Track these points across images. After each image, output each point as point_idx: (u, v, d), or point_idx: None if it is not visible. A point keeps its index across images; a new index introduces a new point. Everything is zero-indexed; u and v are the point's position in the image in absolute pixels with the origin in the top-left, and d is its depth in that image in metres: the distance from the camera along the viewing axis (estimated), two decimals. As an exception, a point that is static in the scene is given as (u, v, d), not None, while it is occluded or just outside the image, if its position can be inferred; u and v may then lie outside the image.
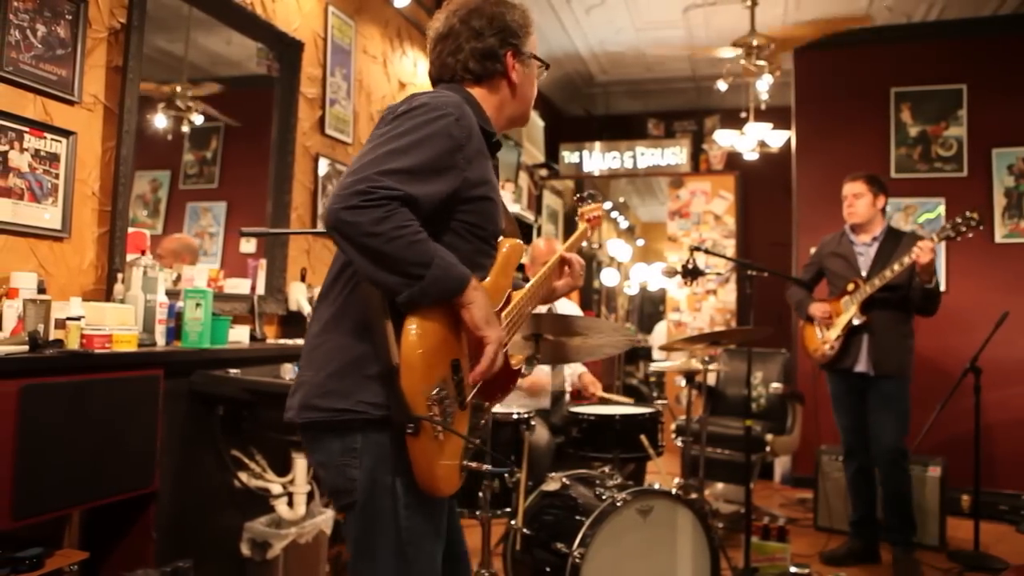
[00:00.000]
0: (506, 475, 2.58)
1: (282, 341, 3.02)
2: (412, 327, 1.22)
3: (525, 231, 5.60)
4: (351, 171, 1.20)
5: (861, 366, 3.41)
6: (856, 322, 3.37)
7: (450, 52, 1.48)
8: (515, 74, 1.49)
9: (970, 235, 3.15)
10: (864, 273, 3.44)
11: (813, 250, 3.82)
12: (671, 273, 3.07)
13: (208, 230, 3.24)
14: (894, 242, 3.42)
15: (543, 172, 6.64)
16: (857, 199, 3.49)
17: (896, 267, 3.22)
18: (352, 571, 1.36)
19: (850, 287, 3.44)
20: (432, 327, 1.24)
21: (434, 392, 1.23)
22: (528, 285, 1.56)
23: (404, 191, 1.19)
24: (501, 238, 1.49)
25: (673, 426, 4.22)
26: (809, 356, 3.68)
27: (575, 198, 1.99)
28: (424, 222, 1.23)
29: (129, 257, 2.40)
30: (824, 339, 3.50)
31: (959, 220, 3.15)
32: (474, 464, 1.35)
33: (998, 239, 4.68)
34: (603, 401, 3.46)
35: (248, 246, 3.26)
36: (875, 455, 3.45)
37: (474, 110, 1.42)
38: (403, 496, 1.29)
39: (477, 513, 2.49)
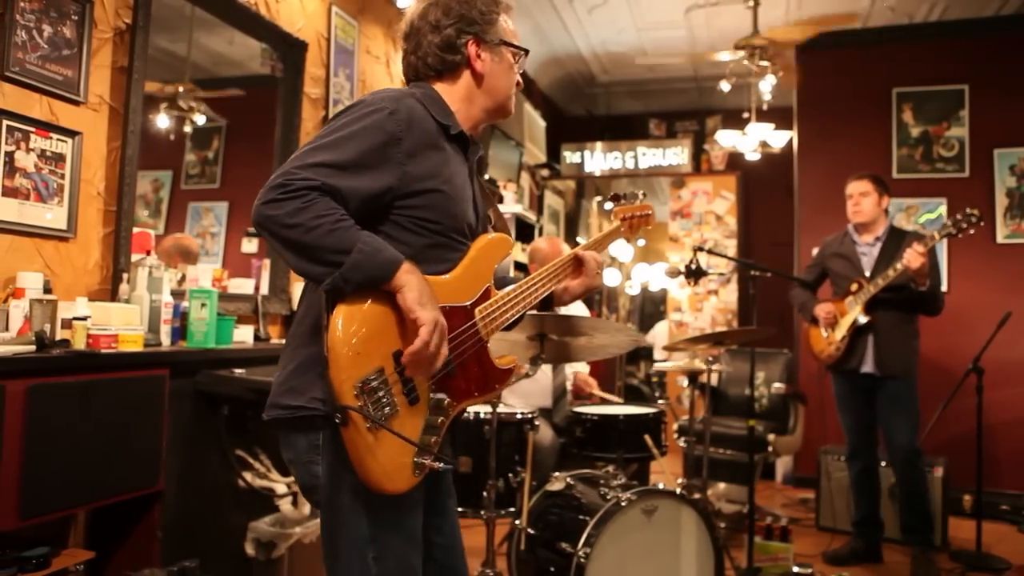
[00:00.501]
0: (514, 477, 2.58)
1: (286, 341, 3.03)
2: (339, 316, 1.19)
3: (527, 231, 5.60)
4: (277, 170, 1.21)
5: (867, 367, 3.41)
6: (862, 320, 3.37)
7: (412, 51, 1.47)
8: (479, 63, 1.44)
9: (971, 231, 3.15)
10: (867, 273, 3.44)
11: (815, 251, 3.83)
12: (675, 273, 3.07)
13: (210, 230, 3.24)
14: (897, 241, 3.42)
15: (545, 172, 6.65)
16: (864, 197, 3.48)
17: (898, 266, 3.22)
18: (325, 567, 1.36)
19: (853, 287, 3.44)
20: (364, 315, 1.21)
21: (362, 382, 1.19)
22: (522, 281, 1.52)
23: (322, 181, 1.19)
24: (489, 231, 1.47)
25: (675, 426, 4.22)
26: (815, 357, 3.68)
27: (610, 196, 1.80)
28: (362, 217, 1.23)
29: (134, 257, 2.41)
30: (829, 340, 3.50)
31: (959, 217, 3.15)
32: (428, 462, 1.28)
33: (1000, 239, 4.68)
34: (602, 401, 3.46)
35: (250, 246, 3.26)
36: (890, 456, 3.46)
37: (432, 105, 1.40)
38: (362, 493, 1.27)
39: (481, 513, 2.50)
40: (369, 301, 1.22)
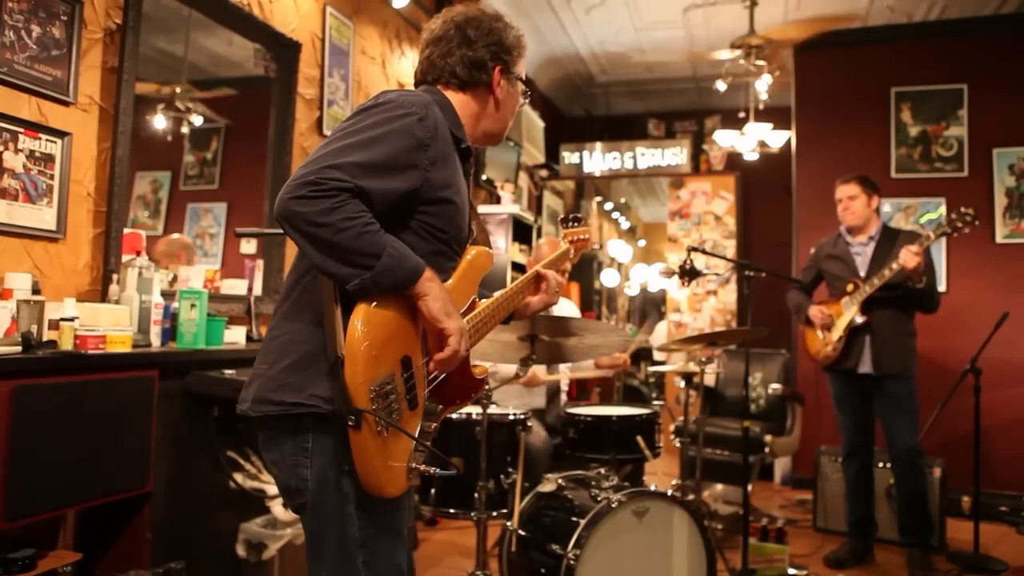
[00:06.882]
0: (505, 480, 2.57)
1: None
2: (359, 318, 1.20)
3: (524, 232, 5.59)
4: (305, 163, 1.20)
5: (865, 367, 3.40)
6: (858, 321, 3.36)
7: (440, 55, 1.49)
8: (500, 90, 1.51)
9: (966, 231, 3.15)
10: (862, 273, 3.44)
11: (813, 251, 3.82)
12: (669, 274, 3.06)
13: (209, 231, 3.25)
14: (891, 241, 3.43)
15: (543, 173, 6.64)
16: (852, 200, 3.50)
17: (894, 266, 3.22)
18: (309, 571, 1.35)
19: (849, 288, 3.44)
20: (382, 318, 1.22)
21: (378, 386, 1.20)
22: (496, 295, 1.56)
23: (355, 183, 1.18)
24: (469, 245, 1.48)
25: (672, 427, 4.21)
26: (811, 358, 3.67)
27: (560, 219, 1.94)
28: (382, 219, 1.23)
29: (125, 258, 2.40)
30: (825, 341, 3.50)
31: (954, 216, 3.15)
32: (422, 467, 1.30)
33: (999, 239, 4.67)
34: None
35: (249, 247, 3.26)
36: (893, 457, 3.44)
37: (447, 114, 1.42)
38: (354, 497, 1.27)
39: (473, 514, 2.49)
40: (386, 304, 1.23)
